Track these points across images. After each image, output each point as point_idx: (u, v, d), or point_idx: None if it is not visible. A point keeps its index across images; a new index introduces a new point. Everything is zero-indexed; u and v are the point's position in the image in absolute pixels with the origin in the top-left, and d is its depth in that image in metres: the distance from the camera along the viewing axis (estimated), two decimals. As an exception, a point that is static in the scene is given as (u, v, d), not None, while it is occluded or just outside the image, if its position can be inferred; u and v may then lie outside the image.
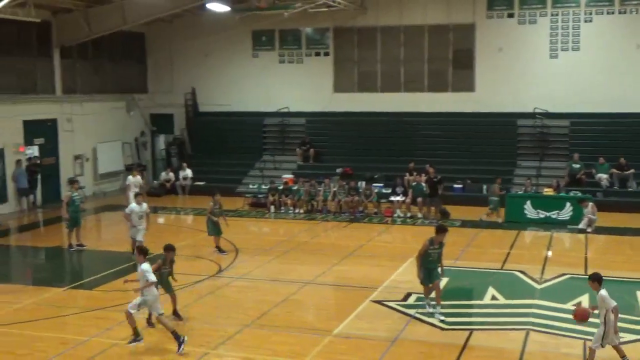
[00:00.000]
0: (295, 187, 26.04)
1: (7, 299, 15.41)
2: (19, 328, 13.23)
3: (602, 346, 10.82)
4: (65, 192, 20.58)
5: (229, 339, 12.48)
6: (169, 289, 13.59)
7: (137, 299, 12.21)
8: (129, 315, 12.15)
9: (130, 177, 23.62)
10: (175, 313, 13.55)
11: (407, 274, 16.81)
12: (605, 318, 10.77)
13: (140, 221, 17.97)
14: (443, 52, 30.02)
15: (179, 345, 11.78)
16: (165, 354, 11.86)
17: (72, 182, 21.46)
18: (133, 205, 18.47)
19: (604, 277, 11.18)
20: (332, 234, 22.21)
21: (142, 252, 12.79)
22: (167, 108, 33.42)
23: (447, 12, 29.61)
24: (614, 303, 10.80)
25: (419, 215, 24.07)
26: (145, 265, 12.40)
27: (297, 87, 31.61)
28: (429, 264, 13.76)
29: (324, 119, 31.38)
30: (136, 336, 12.25)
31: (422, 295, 14.16)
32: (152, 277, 12.26)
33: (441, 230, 13.98)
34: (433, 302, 13.83)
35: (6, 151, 25.31)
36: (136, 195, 19.90)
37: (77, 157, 29.07)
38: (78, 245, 19.96)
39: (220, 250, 18.95)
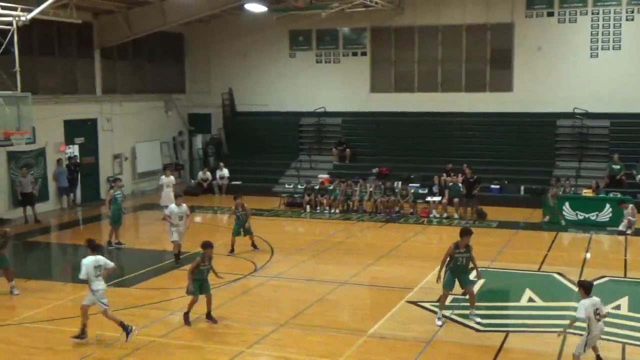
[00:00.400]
0: (331, 187, 26.06)
1: (47, 296, 15.69)
2: (59, 324, 13.46)
3: (584, 352, 10.81)
4: (108, 190, 20.84)
5: (264, 338, 12.55)
6: (206, 289, 13.58)
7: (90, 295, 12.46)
8: (85, 311, 12.42)
9: (163, 176, 23.72)
10: (208, 316, 13.51)
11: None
12: (588, 326, 10.72)
13: (180, 222, 18.00)
14: (481, 51, 29.80)
15: (127, 335, 12.06)
16: (202, 351, 11.96)
17: (114, 180, 21.83)
18: (172, 206, 18.47)
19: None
20: (367, 234, 22.18)
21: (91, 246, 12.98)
22: (204, 108, 33.72)
23: (486, 11, 29.38)
24: (582, 315, 10.69)
25: (455, 215, 23.93)
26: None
27: (334, 87, 31.65)
28: (457, 269, 13.42)
29: (360, 119, 31.36)
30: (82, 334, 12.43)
31: (458, 296, 14.07)
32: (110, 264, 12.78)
33: (466, 232, 13.60)
34: (447, 311, 13.62)
35: (47, 150, 25.71)
36: (176, 196, 19.89)
37: (116, 157, 29.48)
38: (117, 243, 20.22)
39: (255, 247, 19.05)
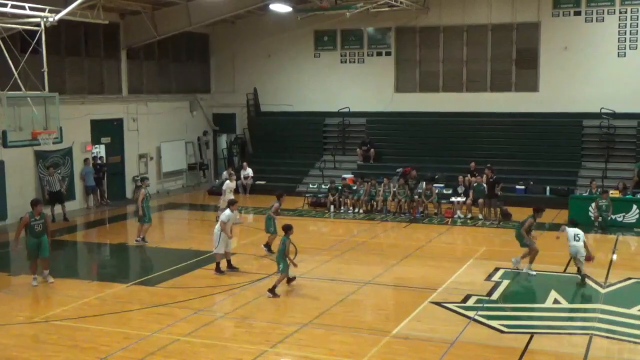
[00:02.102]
0: (355, 187, 26.04)
1: (73, 294, 15.86)
2: (84, 322, 13.60)
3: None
4: (136, 189, 21.08)
5: (287, 338, 12.58)
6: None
7: None
8: None
9: (227, 181, 22.85)
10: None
11: (467, 276, 16.70)
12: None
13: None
14: (506, 51, 29.62)
15: None
16: (226, 350, 12.02)
17: (143, 179, 22.23)
18: (228, 211, 17.54)
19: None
20: (391, 234, 22.14)
21: None
22: (229, 108, 33.87)
23: (512, 10, 29.20)
24: None
25: (480, 216, 23.79)
26: None
27: (358, 87, 31.64)
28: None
29: (384, 119, 31.31)
30: None
31: (482, 297, 14.02)
32: None
33: (539, 210, 17.36)
34: (471, 312, 13.81)
35: (74, 150, 25.97)
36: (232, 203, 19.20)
37: (141, 156, 29.72)
38: (142, 239, 20.49)
39: (269, 249, 18.97)
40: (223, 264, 17.26)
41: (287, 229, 15.45)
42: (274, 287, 15.14)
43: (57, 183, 24.53)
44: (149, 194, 21.16)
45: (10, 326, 13.42)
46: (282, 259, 15.29)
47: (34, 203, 17.01)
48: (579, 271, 15.92)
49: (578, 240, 15.83)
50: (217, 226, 17.16)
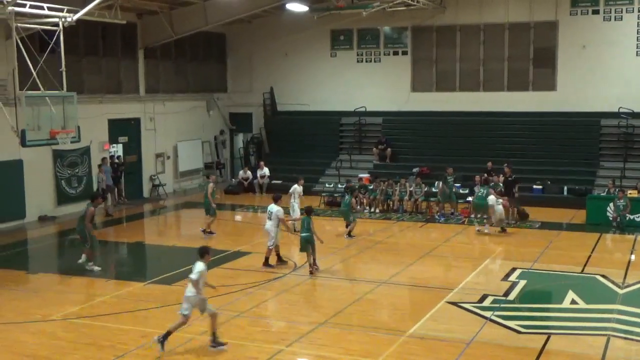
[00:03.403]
0: (371, 187, 26.01)
1: (91, 292, 16.00)
2: (102, 320, 13.69)
3: None
4: (204, 184, 21.60)
5: (303, 337, 12.59)
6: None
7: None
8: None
9: (295, 185, 22.28)
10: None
11: (483, 276, 16.67)
12: None
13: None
14: (524, 50, 29.49)
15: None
16: (241, 349, 12.04)
17: (209, 175, 23.25)
18: (276, 207, 17.70)
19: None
20: (407, 234, 22.11)
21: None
22: (246, 107, 33.95)
23: (529, 9, 29.06)
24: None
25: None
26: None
27: (375, 87, 31.61)
28: None
29: (401, 118, 31.27)
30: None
31: (499, 297, 13.92)
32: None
33: None
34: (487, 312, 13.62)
35: (92, 149, 26.12)
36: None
37: (158, 155, 29.86)
38: (209, 232, 21.31)
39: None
40: (273, 259, 17.54)
41: (309, 211, 17.23)
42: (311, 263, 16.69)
43: (103, 181, 25.45)
44: (215, 188, 21.42)
45: (28, 324, 13.53)
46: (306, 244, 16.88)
47: (94, 196, 18.12)
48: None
49: None
50: (271, 222, 17.29)
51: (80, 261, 17.54)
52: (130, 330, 13.02)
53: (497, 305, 14.29)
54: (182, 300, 12.10)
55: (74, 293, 15.84)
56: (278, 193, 18.59)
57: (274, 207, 17.45)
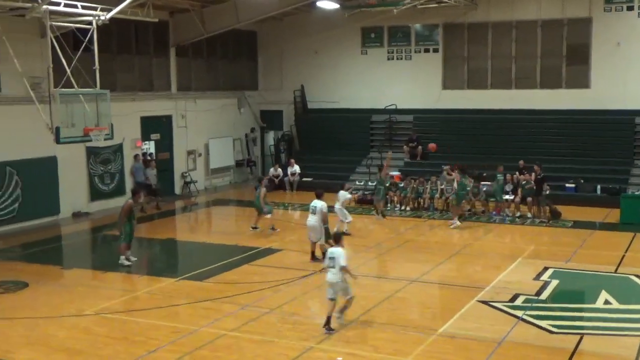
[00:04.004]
0: (402, 184, 25.92)
1: (123, 287, 16.19)
2: (134, 316, 13.84)
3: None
4: (258, 187, 22.00)
5: (333, 334, 12.59)
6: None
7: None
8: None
9: (341, 191, 21.99)
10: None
11: (515, 275, 16.54)
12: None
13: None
14: (557, 47, 29.17)
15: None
16: (272, 346, 12.10)
17: (260, 179, 23.92)
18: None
19: None
20: (438, 232, 22.00)
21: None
22: (276, 105, 34.03)
23: (562, 6, 28.74)
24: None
25: (529, 215, 23.47)
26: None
27: (405, 84, 31.50)
28: None
29: (432, 116, 31.13)
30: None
31: (531, 297, 13.80)
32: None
33: None
34: (519, 312, 13.48)
35: (125, 146, 26.39)
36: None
37: (190, 153, 30.07)
38: (273, 229, 21.61)
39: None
40: (318, 252, 17.73)
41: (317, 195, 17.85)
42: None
43: (154, 177, 25.85)
44: (266, 192, 22.00)
45: (62, 318, 13.73)
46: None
47: (135, 191, 18.48)
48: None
49: None
50: (317, 218, 17.37)
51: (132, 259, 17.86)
52: (161, 326, 13.14)
53: (529, 304, 14.17)
54: (327, 285, 12.83)
55: (107, 288, 16.03)
56: (320, 189, 18.61)
57: (318, 203, 17.57)
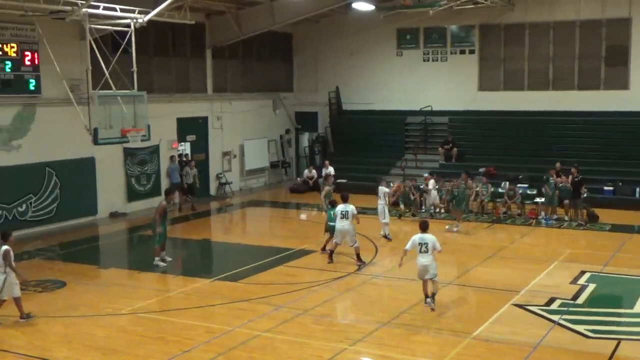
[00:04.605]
0: (437, 187, 25.74)
1: (159, 288, 16.35)
2: (169, 315, 13.97)
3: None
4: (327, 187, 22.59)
5: (367, 336, 12.59)
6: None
7: None
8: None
9: (381, 187, 23.07)
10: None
11: (551, 278, 16.36)
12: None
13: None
14: (595, 48, 28.78)
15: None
16: (305, 347, 12.13)
17: (327, 177, 24.16)
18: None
19: None
20: (473, 235, 21.83)
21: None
22: (311, 106, 34.12)
23: (601, 6, 28.37)
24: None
25: (566, 218, 23.18)
26: None
27: (441, 86, 31.34)
28: None
29: (467, 117, 30.95)
30: None
31: (567, 301, 13.65)
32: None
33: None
34: (555, 316, 13.31)
35: (161, 147, 26.65)
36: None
37: (225, 154, 30.27)
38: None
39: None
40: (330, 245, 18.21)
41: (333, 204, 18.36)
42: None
43: (191, 177, 26.14)
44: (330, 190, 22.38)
45: (99, 317, 13.92)
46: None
47: (168, 192, 18.63)
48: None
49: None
50: (348, 221, 17.52)
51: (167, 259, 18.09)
52: (196, 326, 13.25)
53: (565, 308, 14.02)
54: (429, 269, 14.10)
55: (143, 288, 16.21)
56: (345, 192, 18.80)
57: (348, 206, 17.60)
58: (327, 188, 21.75)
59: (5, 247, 13.50)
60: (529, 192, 25.06)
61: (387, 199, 21.35)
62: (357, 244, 17.68)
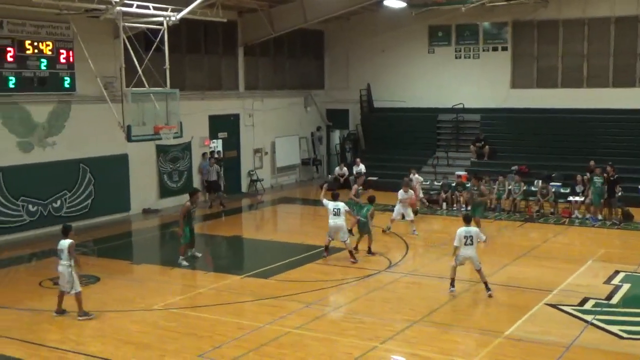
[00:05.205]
0: (468, 185, 25.61)
1: (190, 284, 16.49)
2: (201, 311, 14.08)
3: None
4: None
5: (397, 334, 12.57)
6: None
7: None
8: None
9: (413, 176, 23.36)
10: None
11: (584, 278, 16.19)
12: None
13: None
14: (631, 45, 28.34)
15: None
16: (336, 344, 12.14)
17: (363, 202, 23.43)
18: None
19: None
20: (505, 234, 21.68)
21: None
22: (342, 104, 34.08)
23: (637, 2, 27.94)
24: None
25: (599, 216, 22.90)
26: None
27: (473, 83, 31.11)
28: None
29: (499, 115, 30.68)
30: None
31: (601, 301, 13.51)
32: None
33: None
34: (589, 316, 13.17)
35: (193, 144, 26.84)
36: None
37: (256, 151, 30.39)
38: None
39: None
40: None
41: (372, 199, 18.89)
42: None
43: (214, 173, 26.23)
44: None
45: (132, 312, 14.08)
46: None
47: (192, 192, 18.53)
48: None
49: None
50: (341, 218, 17.82)
51: (191, 253, 18.21)
52: (227, 322, 13.34)
53: (599, 308, 13.86)
54: (474, 260, 14.76)
55: (175, 284, 16.36)
56: (336, 191, 19.82)
57: (340, 204, 18.09)
58: (354, 187, 21.86)
59: (69, 240, 13.68)
60: (562, 190, 24.80)
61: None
62: (349, 241, 17.86)
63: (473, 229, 15.08)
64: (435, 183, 27.29)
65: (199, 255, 18.30)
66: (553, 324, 13.08)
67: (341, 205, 18.04)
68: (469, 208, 24.52)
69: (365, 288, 15.58)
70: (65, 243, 13.63)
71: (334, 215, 17.81)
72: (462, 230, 14.85)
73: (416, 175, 24.62)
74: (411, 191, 21.85)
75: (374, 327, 12.98)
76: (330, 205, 18.05)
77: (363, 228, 18.61)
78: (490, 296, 14.58)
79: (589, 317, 13.32)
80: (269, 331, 12.75)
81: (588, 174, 23.99)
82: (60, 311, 13.82)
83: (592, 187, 23.06)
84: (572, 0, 28.91)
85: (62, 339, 12.63)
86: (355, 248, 18.40)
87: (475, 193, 21.63)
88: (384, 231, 20.88)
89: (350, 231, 18.83)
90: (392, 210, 21.61)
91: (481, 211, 21.46)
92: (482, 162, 29.26)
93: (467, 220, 15.22)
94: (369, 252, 18.28)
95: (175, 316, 13.84)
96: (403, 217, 21.18)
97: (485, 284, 14.82)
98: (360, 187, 23.38)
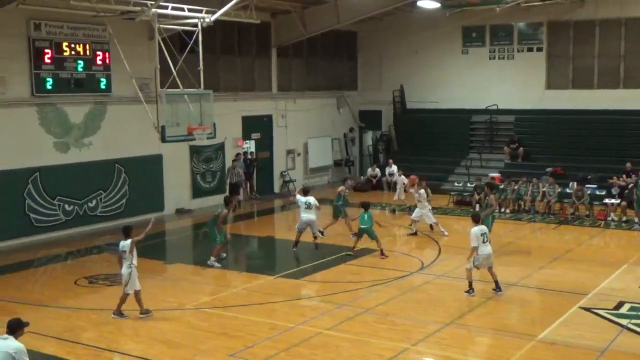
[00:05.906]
0: (502, 186, 25.44)
1: (223, 284, 16.58)
2: (233, 311, 14.16)
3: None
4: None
5: (429, 336, 12.52)
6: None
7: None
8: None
9: (421, 190, 23.09)
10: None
11: (620, 281, 15.97)
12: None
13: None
14: (669, 45, 27.91)
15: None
16: (367, 346, 12.14)
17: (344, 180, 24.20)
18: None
19: None
20: (539, 236, 21.47)
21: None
22: (375, 105, 34.02)
23: (676, 1, 27.49)
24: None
25: (636, 219, 22.55)
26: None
27: (507, 84, 30.85)
28: None
29: (534, 116, 30.38)
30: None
31: (637, 305, 13.32)
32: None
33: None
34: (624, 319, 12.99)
35: (226, 145, 26.99)
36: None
37: (289, 152, 30.48)
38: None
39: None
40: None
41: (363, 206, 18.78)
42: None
43: (234, 176, 26.41)
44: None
45: (165, 311, 14.20)
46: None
47: (227, 201, 18.78)
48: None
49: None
50: (313, 211, 19.24)
51: (222, 256, 18.35)
52: (259, 322, 13.39)
53: (635, 313, 13.64)
54: (491, 256, 15.03)
55: (207, 284, 16.47)
56: (307, 186, 21.03)
57: (311, 198, 19.29)
58: (341, 187, 22.00)
59: (129, 240, 13.85)
60: (597, 192, 24.50)
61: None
62: (318, 234, 19.32)
63: (484, 226, 15.33)
64: (468, 185, 27.11)
65: (224, 255, 18.44)
66: (588, 328, 12.93)
67: (312, 200, 19.18)
68: (503, 210, 24.51)
69: (398, 289, 15.54)
70: (126, 243, 13.80)
71: (306, 208, 19.13)
72: (476, 229, 14.93)
73: (421, 191, 21.91)
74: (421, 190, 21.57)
75: (406, 329, 12.95)
76: (302, 199, 19.20)
77: (339, 213, 20.50)
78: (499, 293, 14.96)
79: (624, 321, 13.13)
80: (301, 332, 12.78)
81: (624, 176, 23.64)
82: (144, 312, 13.88)
83: (638, 191, 22.41)
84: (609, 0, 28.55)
85: (97, 337, 12.79)
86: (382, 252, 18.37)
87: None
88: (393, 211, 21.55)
89: (321, 232, 20.00)
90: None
91: (490, 223, 18.87)
92: (516, 163, 29.01)
93: (476, 220, 15.35)
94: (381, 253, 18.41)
95: (208, 316, 13.94)
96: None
97: (496, 282, 15.03)
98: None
